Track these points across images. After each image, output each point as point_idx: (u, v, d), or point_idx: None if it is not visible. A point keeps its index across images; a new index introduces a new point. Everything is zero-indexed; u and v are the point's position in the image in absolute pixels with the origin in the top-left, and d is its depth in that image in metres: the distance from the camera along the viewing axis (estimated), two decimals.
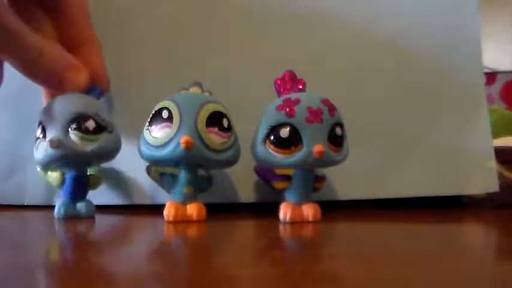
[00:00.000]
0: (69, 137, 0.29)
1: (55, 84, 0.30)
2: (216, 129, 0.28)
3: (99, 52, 0.32)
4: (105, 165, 0.33)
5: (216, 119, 0.29)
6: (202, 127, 0.28)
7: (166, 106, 0.28)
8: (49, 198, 0.35)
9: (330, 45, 0.36)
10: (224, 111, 0.29)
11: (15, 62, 0.28)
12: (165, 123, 0.28)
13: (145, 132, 0.29)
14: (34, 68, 0.29)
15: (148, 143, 0.29)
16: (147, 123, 0.29)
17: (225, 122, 0.29)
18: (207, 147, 0.28)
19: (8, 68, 0.37)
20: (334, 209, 0.32)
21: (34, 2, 0.31)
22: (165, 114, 0.28)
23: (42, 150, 0.29)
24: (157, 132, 0.28)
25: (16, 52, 0.28)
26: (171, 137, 0.28)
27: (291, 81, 0.30)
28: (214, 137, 0.28)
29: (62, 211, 0.30)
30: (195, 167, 0.30)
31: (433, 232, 0.28)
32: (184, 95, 0.29)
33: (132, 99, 0.35)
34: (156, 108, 0.29)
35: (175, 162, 0.29)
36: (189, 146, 0.27)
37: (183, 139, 0.27)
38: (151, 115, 0.29)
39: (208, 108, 0.28)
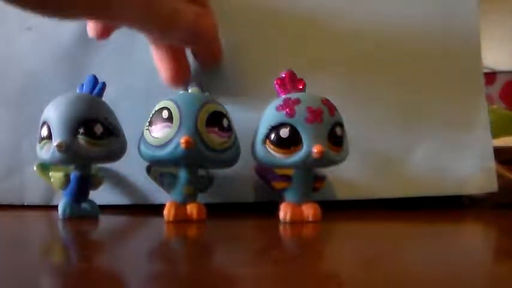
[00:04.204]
0: (77, 141, 0.29)
1: (190, 35, 0.29)
2: (216, 129, 0.28)
3: (212, 13, 0.32)
4: (106, 165, 0.33)
5: (216, 119, 0.29)
6: (202, 127, 0.28)
7: (167, 106, 0.28)
8: (49, 198, 0.35)
9: (329, 47, 0.36)
10: (224, 111, 0.29)
11: (152, 26, 0.28)
12: (165, 123, 0.28)
13: (146, 132, 0.29)
14: (171, 27, 0.28)
15: (148, 143, 0.29)
16: (147, 123, 0.29)
17: (225, 122, 0.29)
18: (207, 147, 0.28)
19: (8, 68, 0.37)
20: (334, 209, 0.32)
21: None
22: (165, 114, 0.28)
23: (48, 151, 0.29)
24: (157, 132, 0.28)
25: (152, 16, 0.27)
26: (171, 136, 0.28)
27: (290, 81, 0.30)
28: (215, 137, 0.28)
29: (68, 211, 0.30)
30: (195, 167, 0.30)
31: (433, 232, 0.28)
32: (184, 95, 0.29)
33: (133, 99, 0.35)
34: (156, 108, 0.29)
35: (175, 162, 0.29)
36: (189, 146, 0.27)
37: (183, 139, 0.27)
38: (151, 115, 0.29)
39: (208, 108, 0.29)
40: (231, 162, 0.30)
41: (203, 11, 0.30)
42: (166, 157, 0.28)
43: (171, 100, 0.29)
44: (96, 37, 0.30)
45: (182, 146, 0.27)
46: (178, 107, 0.28)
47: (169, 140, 0.28)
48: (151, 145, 0.28)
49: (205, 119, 0.28)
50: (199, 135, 0.28)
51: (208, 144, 0.28)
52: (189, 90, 0.30)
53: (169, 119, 0.28)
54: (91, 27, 0.30)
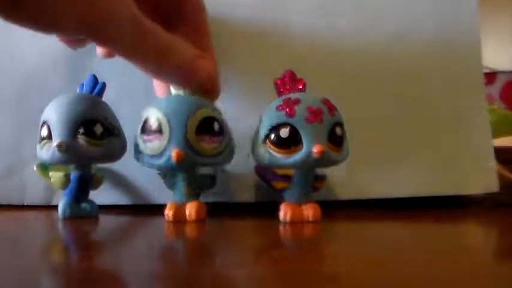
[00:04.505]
0: (77, 142, 0.29)
1: (185, 76, 0.29)
2: (207, 137, 0.28)
3: (214, 59, 0.31)
4: (106, 165, 0.33)
5: (206, 126, 0.28)
6: (192, 136, 0.28)
7: (155, 116, 0.28)
8: (49, 198, 0.35)
9: (328, 46, 0.36)
10: (215, 115, 0.29)
11: (145, 58, 0.27)
12: (155, 135, 0.28)
13: (139, 141, 0.29)
14: (164, 63, 0.28)
15: (143, 152, 0.29)
16: (140, 130, 0.29)
17: (216, 126, 0.29)
18: (199, 154, 0.28)
19: (8, 68, 0.37)
20: (334, 209, 0.32)
21: (156, 7, 0.30)
22: (154, 125, 0.28)
23: (48, 151, 0.29)
24: (150, 143, 0.28)
25: (146, 48, 0.27)
26: (163, 149, 0.28)
27: (291, 81, 0.30)
28: (206, 145, 0.28)
29: (68, 211, 0.30)
30: (192, 169, 0.30)
31: (433, 232, 0.28)
32: (173, 102, 0.29)
33: (133, 99, 0.35)
34: (145, 116, 0.29)
35: (171, 169, 0.29)
36: (180, 159, 0.27)
37: (173, 152, 0.27)
38: (142, 122, 0.29)
39: (198, 114, 0.28)
40: (223, 164, 0.30)
41: (204, 55, 0.30)
42: (162, 165, 0.28)
43: (159, 109, 0.28)
44: (103, 57, 0.30)
45: (173, 159, 0.27)
46: (167, 117, 0.28)
47: (161, 152, 0.28)
48: (148, 154, 0.29)
49: (196, 127, 0.28)
50: (190, 145, 0.28)
51: (199, 152, 0.28)
52: (181, 92, 0.30)
53: (159, 131, 0.28)
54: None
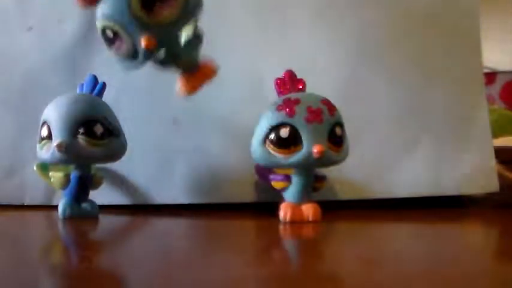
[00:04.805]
0: (77, 142, 0.29)
1: None
2: (159, 4, 0.25)
3: None
4: (106, 165, 0.33)
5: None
6: (140, 12, 0.24)
7: (106, 27, 0.25)
8: (49, 198, 0.35)
9: (329, 45, 0.36)
10: None
11: None
12: (117, 43, 0.26)
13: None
14: None
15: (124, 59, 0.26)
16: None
17: None
18: (162, 26, 0.25)
19: (8, 68, 0.37)
20: (334, 209, 0.32)
21: None
22: (109, 35, 0.25)
23: (48, 151, 0.29)
24: (120, 50, 0.26)
25: None
26: (133, 45, 0.25)
27: (290, 81, 0.30)
28: (162, 13, 0.25)
29: (68, 211, 0.30)
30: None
31: (433, 232, 0.28)
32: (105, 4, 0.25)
33: (133, 98, 0.35)
34: (100, 31, 0.26)
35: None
36: (151, 44, 0.24)
37: (143, 41, 0.24)
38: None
39: None
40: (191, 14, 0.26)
41: None
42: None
43: (100, 19, 0.25)
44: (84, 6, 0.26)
45: (144, 47, 0.24)
46: (110, 19, 0.25)
47: (135, 50, 0.25)
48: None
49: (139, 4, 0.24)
50: (144, 23, 0.24)
51: (159, 22, 0.25)
52: None
53: (116, 35, 0.25)
54: None
